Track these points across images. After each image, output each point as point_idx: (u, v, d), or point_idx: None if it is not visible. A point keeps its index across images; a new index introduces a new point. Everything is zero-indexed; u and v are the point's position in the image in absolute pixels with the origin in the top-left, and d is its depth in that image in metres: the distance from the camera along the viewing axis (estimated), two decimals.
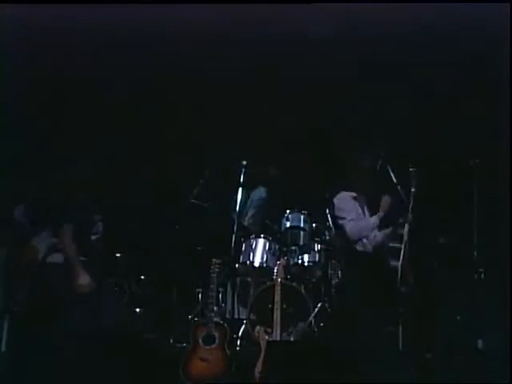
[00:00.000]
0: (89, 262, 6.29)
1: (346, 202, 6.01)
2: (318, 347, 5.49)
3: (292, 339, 6.13)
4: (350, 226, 5.90)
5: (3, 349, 6.54)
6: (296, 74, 7.10)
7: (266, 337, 6.00)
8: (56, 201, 6.87)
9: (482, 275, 6.12)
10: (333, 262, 6.90)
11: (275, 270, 6.43)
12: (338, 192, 6.13)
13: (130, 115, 7.49)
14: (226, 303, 6.95)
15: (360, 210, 6.01)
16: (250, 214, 7.25)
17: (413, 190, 5.82)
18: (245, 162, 6.53)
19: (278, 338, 6.01)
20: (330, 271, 6.85)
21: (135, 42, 6.94)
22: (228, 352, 6.04)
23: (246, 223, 7.11)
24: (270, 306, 6.23)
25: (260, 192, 7.31)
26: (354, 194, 6.04)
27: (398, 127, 7.04)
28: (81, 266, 6.09)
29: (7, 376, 5.93)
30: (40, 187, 7.04)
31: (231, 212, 6.77)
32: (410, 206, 5.72)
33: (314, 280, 6.93)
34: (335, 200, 6.06)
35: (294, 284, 6.53)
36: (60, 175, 7.41)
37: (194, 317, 6.90)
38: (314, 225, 7.06)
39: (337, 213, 6.04)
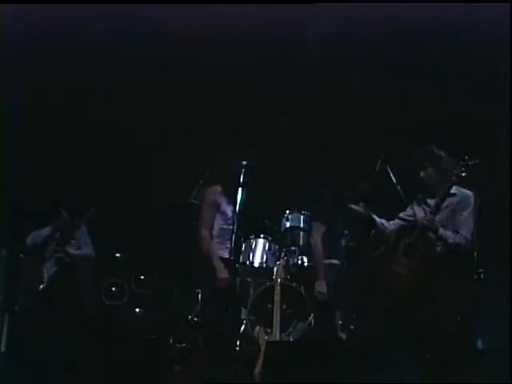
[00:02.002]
0: None
1: None
2: (317, 347, 5.48)
3: (291, 339, 6.12)
4: None
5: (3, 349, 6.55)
6: (296, 74, 7.10)
7: (266, 337, 5.99)
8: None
9: (482, 275, 6.11)
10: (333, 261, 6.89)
11: (275, 271, 6.42)
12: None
13: (130, 115, 7.50)
14: None
15: None
16: None
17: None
18: (245, 162, 6.51)
19: (278, 339, 6.00)
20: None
21: (135, 42, 6.95)
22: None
23: None
24: (269, 306, 6.22)
25: None
26: None
27: (397, 127, 7.03)
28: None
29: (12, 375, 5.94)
30: None
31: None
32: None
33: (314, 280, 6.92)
34: None
35: (294, 284, 6.51)
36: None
37: (194, 317, 6.89)
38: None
39: None
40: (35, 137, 7.57)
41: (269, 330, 6.05)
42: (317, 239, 6.69)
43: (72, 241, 7.17)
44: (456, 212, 5.48)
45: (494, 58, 6.46)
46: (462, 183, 5.54)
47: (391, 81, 6.97)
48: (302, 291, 6.42)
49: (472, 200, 5.47)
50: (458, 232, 5.42)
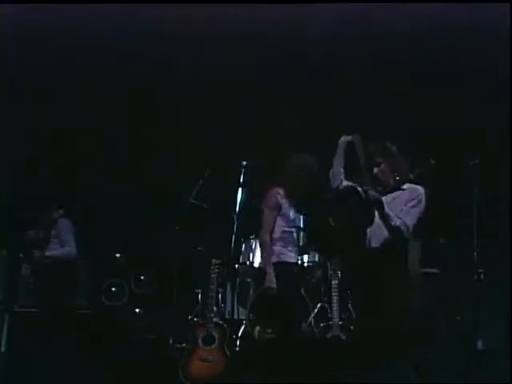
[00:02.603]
0: None
1: None
2: (317, 347, 5.49)
3: (291, 339, 6.11)
4: None
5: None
6: (296, 74, 7.10)
7: (266, 337, 5.99)
8: None
9: (482, 275, 6.11)
10: (333, 261, 6.89)
11: None
12: None
13: (131, 115, 7.50)
14: (225, 304, 6.95)
15: None
16: None
17: None
18: (245, 162, 6.51)
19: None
20: (329, 271, 6.83)
21: (136, 42, 6.94)
22: (227, 352, 6.03)
23: None
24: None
25: None
26: None
27: (397, 127, 7.03)
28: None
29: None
30: None
31: (231, 212, 6.76)
32: None
33: (313, 280, 6.92)
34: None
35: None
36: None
37: (194, 317, 6.89)
38: None
39: None
40: (36, 137, 7.57)
41: (269, 330, 6.04)
42: None
43: (55, 239, 7.18)
44: (402, 202, 5.38)
45: (494, 58, 6.46)
46: (415, 182, 5.47)
47: (391, 81, 6.97)
48: (302, 291, 6.42)
49: (421, 195, 5.37)
50: (400, 218, 5.33)
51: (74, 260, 7.18)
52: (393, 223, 5.12)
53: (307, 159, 6.07)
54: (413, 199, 5.25)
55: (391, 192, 5.28)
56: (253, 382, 5.78)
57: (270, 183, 6.10)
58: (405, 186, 5.31)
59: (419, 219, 5.19)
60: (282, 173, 6.12)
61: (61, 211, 7.25)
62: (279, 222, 6.08)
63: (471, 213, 5.90)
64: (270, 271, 5.91)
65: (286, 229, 6.09)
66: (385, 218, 5.14)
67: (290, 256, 6.08)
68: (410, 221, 5.17)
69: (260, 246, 6.23)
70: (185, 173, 7.37)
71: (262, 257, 6.21)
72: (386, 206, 5.13)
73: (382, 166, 5.34)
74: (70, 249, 7.16)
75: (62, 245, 7.17)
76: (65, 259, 7.12)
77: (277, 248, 6.04)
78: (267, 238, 6.02)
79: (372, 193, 5.16)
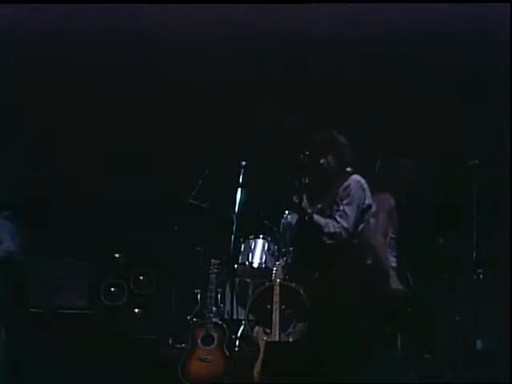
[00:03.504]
0: None
1: None
2: (317, 347, 5.47)
3: (291, 340, 6.11)
4: None
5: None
6: (296, 74, 7.10)
7: (265, 337, 5.98)
8: None
9: (482, 275, 6.10)
10: None
11: (274, 271, 6.41)
12: None
13: (131, 115, 7.50)
14: (224, 304, 6.94)
15: None
16: None
17: None
18: (244, 162, 6.50)
19: (277, 339, 5.99)
20: None
21: (136, 42, 6.95)
22: (227, 352, 6.02)
23: None
24: (268, 306, 6.21)
25: None
26: None
27: (397, 127, 7.03)
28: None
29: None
30: None
31: (230, 212, 6.75)
32: None
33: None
34: None
35: (293, 285, 6.50)
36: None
37: (193, 317, 6.88)
38: None
39: None
40: (36, 136, 7.57)
41: (268, 331, 6.04)
42: None
43: None
44: (338, 201, 5.27)
45: (494, 58, 6.45)
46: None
47: (391, 81, 6.97)
48: (301, 291, 6.42)
49: (349, 188, 5.23)
50: (337, 221, 5.23)
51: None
52: (326, 230, 5.07)
53: (410, 163, 5.99)
54: (346, 197, 5.15)
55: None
56: (253, 382, 5.77)
57: (377, 187, 5.95)
58: (349, 180, 5.19)
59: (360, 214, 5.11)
60: (389, 177, 6.01)
61: (5, 213, 7.16)
62: (389, 227, 5.96)
63: (471, 213, 5.90)
64: (393, 273, 5.81)
65: (393, 236, 5.96)
66: (316, 225, 5.08)
67: (394, 261, 5.94)
68: (347, 223, 5.07)
69: (377, 250, 5.80)
70: (185, 173, 7.37)
71: (380, 260, 5.82)
72: (315, 216, 5.09)
73: (329, 157, 5.23)
74: (7, 245, 7.08)
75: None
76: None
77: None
78: (383, 241, 5.84)
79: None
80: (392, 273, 5.77)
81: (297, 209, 5.22)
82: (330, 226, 5.06)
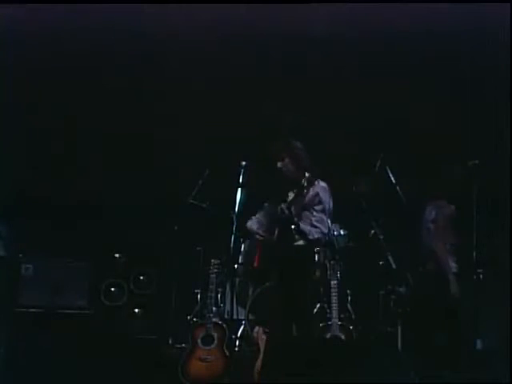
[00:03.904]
0: None
1: None
2: (317, 347, 5.48)
3: (291, 339, 6.10)
4: None
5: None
6: (296, 74, 7.09)
7: (265, 337, 5.98)
8: None
9: (482, 275, 6.10)
10: (332, 262, 6.87)
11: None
12: None
13: (131, 115, 7.49)
14: (224, 304, 6.93)
15: None
16: None
17: None
18: (244, 162, 6.50)
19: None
20: (329, 271, 6.82)
21: (136, 42, 6.94)
22: (227, 352, 6.02)
23: None
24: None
25: None
26: None
27: (397, 127, 7.03)
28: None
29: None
30: None
31: (230, 212, 6.75)
32: None
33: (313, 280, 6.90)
34: None
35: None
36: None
37: (193, 317, 6.88)
38: None
39: None
40: (37, 137, 7.57)
41: (268, 331, 6.04)
42: None
43: None
44: (310, 207, 5.43)
45: (494, 58, 6.45)
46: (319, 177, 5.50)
47: (391, 81, 6.97)
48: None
49: (318, 196, 5.41)
50: (316, 227, 5.39)
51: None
52: (311, 237, 5.22)
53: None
54: (319, 203, 5.35)
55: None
56: (252, 383, 5.77)
57: (430, 193, 6.05)
58: (316, 188, 5.37)
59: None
60: (443, 184, 6.11)
61: None
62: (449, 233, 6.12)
63: (471, 213, 5.90)
64: (454, 279, 5.97)
65: (453, 242, 6.12)
66: (302, 233, 5.24)
67: (454, 266, 6.10)
68: (325, 228, 5.26)
69: (439, 256, 6.09)
70: (185, 173, 7.36)
71: (442, 265, 6.08)
72: (301, 225, 5.21)
73: (286, 160, 5.39)
74: None
75: None
76: None
77: None
78: (443, 248, 6.04)
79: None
80: (452, 278, 5.94)
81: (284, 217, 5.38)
82: (312, 232, 5.28)
